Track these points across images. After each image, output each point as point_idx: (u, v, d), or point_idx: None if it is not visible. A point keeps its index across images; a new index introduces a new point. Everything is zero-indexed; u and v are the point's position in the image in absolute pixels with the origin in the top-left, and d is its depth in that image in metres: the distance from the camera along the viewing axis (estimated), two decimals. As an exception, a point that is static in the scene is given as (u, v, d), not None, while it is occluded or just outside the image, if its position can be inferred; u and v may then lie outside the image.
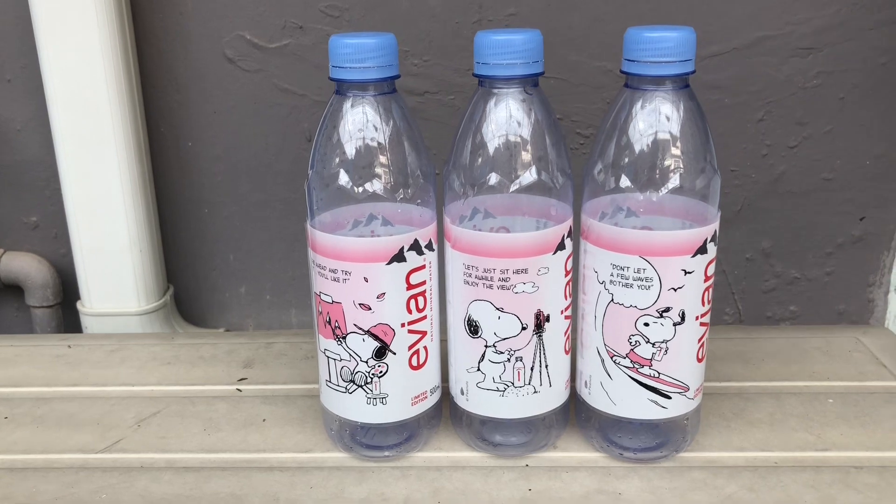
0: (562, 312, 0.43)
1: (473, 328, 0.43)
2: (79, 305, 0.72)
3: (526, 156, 0.40)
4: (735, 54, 0.64)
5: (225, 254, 0.74)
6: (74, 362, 0.55)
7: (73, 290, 0.74)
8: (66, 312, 0.76)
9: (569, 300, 0.43)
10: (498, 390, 0.43)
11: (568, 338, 0.44)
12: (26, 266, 0.74)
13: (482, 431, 0.46)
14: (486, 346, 0.43)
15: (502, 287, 0.41)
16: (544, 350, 0.43)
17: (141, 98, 0.69)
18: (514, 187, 0.40)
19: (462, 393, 0.45)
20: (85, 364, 0.55)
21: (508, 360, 0.43)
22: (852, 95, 0.64)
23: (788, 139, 0.66)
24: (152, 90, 0.70)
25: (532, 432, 0.45)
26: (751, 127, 0.66)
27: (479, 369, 0.43)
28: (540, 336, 0.42)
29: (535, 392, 0.43)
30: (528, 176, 0.40)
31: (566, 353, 0.44)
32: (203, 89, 0.70)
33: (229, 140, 0.71)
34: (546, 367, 0.43)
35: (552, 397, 0.44)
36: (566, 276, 0.43)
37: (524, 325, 0.42)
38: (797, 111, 0.65)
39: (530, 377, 0.43)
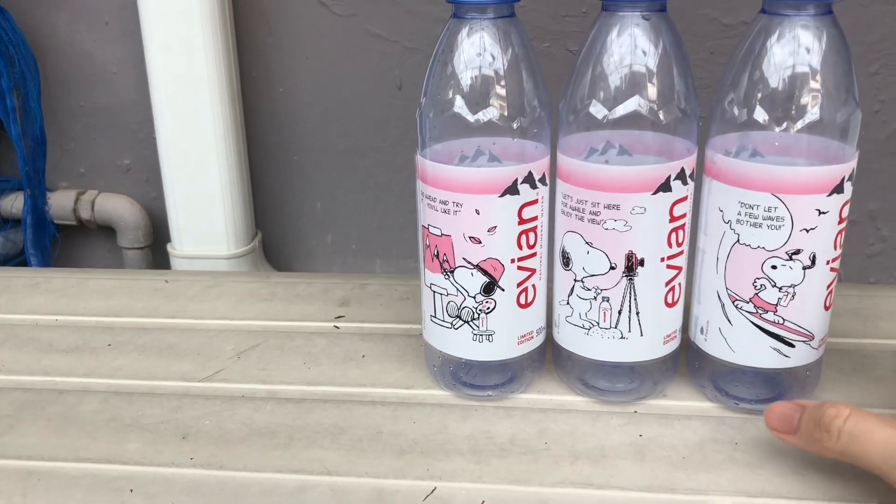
0: (662, 260, 0.40)
1: (566, 260, 0.42)
2: (169, 248, 0.73)
3: (651, 87, 0.38)
4: (852, 2, 0.60)
5: (312, 201, 0.74)
6: (172, 296, 0.55)
7: (163, 233, 0.75)
8: (155, 255, 0.77)
9: (675, 248, 0.41)
10: (583, 328, 0.42)
11: (672, 289, 0.42)
12: (119, 208, 0.75)
13: (585, 377, 0.44)
14: (575, 280, 0.41)
15: (592, 221, 0.40)
16: (635, 295, 0.41)
17: (235, 41, 0.69)
18: (629, 119, 0.38)
19: (555, 325, 0.44)
20: (182, 298, 0.55)
21: (595, 298, 0.41)
22: (982, 46, 0.60)
23: (905, 95, 0.63)
24: (246, 33, 0.70)
25: (637, 381, 0.44)
26: (864, 81, 0.63)
27: (568, 303, 0.42)
28: (631, 280, 0.40)
29: (622, 338, 0.41)
30: (642, 108, 0.38)
31: (668, 305, 0.42)
32: (295, 33, 0.70)
33: (320, 86, 0.71)
34: (637, 314, 0.41)
35: (642, 347, 0.42)
36: (671, 221, 0.40)
37: (613, 265, 0.40)
38: (916, 64, 0.62)
39: (617, 321, 0.41)
